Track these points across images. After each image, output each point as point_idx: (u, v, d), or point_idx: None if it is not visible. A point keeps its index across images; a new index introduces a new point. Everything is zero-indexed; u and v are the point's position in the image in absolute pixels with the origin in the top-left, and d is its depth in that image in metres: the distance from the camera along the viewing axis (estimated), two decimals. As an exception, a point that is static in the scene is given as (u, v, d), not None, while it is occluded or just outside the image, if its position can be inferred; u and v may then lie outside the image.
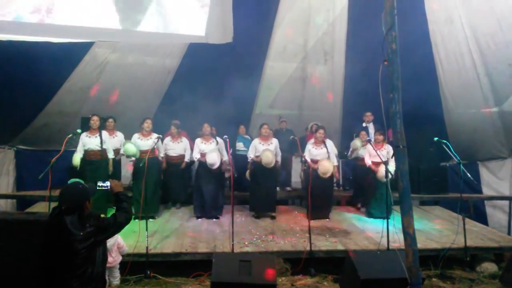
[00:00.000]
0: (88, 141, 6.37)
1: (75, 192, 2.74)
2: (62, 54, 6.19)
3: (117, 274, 4.48)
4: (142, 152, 6.20)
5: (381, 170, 6.06)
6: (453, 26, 7.24)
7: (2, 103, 6.69)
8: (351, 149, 7.50)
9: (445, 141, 5.46)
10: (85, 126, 6.74)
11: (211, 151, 6.53)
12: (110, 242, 2.91)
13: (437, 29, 7.47)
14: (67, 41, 4.33)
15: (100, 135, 6.43)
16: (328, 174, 6.50)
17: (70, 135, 5.91)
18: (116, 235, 3.87)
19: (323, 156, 6.64)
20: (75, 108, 7.85)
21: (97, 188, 2.98)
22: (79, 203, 2.70)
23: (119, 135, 7.14)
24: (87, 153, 6.36)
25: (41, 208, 6.56)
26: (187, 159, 7.28)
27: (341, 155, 8.00)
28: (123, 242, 4.53)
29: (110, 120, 7.07)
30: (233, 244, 4.98)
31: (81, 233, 2.58)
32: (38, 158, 7.60)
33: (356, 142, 7.26)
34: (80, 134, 6.33)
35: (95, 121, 6.45)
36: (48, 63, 6.18)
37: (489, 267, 5.23)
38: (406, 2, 5.23)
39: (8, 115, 6.98)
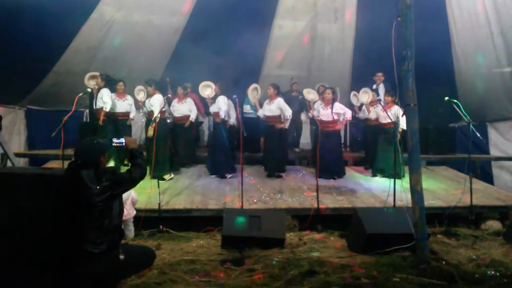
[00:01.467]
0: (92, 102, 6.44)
1: (90, 147, 2.81)
2: (69, 12, 6.12)
3: (131, 227, 4.64)
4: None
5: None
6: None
7: (11, 63, 6.67)
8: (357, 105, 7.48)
9: (456, 101, 5.39)
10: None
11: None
12: (124, 196, 3.00)
13: (453, -15, 7.22)
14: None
15: (93, 94, 6.40)
16: None
17: (81, 94, 5.88)
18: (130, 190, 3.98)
19: (328, 117, 6.65)
20: (83, 68, 7.82)
21: (112, 144, 3.03)
22: (95, 157, 2.77)
23: (129, 99, 7.12)
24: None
25: (54, 166, 6.69)
26: (192, 118, 7.32)
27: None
28: (137, 197, 4.67)
29: (121, 83, 6.98)
30: (242, 202, 5.10)
31: (98, 187, 2.65)
32: (48, 118, 7.68)
33: (362, 98, 7.16)
34: (90, 93, 6.34)
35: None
36: (55, 20, 6.12)
37: (494, 225, 5.27)
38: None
39: (17, 75, 6.98)
